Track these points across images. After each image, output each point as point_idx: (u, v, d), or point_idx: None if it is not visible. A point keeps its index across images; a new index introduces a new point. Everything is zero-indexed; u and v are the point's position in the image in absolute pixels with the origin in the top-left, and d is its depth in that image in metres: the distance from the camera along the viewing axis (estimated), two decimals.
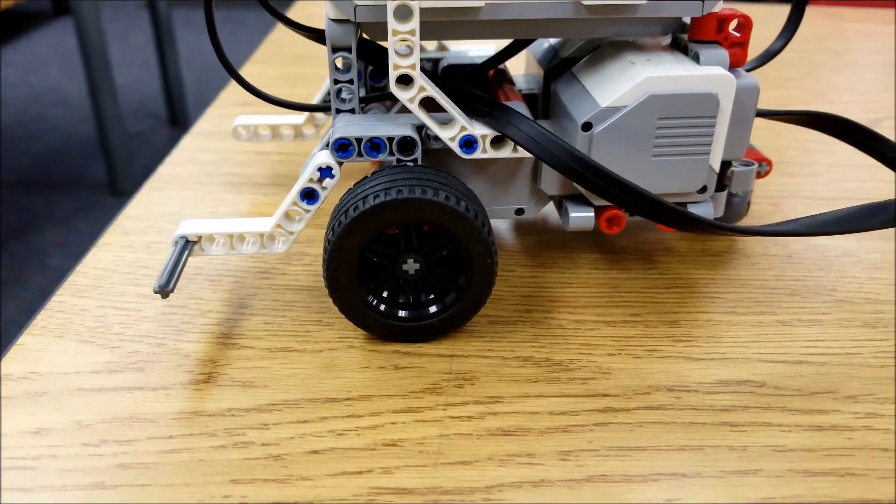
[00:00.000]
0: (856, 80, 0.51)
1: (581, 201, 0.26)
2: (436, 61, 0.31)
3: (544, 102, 0.29)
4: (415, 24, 0.21)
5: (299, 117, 0.33)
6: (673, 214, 0.23)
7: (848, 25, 0.67)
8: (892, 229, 0.30)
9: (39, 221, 1.80)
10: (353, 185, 0.23)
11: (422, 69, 0.23)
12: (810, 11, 0.71)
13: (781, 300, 0.27)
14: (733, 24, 0.25)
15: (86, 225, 1.77)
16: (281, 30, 0.56)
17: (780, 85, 0.50)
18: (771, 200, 0.34)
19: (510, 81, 0.29)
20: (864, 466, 0.20)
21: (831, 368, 0.23)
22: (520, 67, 0.34)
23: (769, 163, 0.29)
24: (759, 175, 0.29)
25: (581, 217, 0.25)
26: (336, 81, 0.25)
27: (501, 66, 0.30)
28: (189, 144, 0.38)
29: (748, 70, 0.27)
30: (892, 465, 0.20)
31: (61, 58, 2.99)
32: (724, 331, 0.25)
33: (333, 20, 0.23)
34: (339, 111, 0.25)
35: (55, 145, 2.20)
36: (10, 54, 3.01)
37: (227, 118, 0.40)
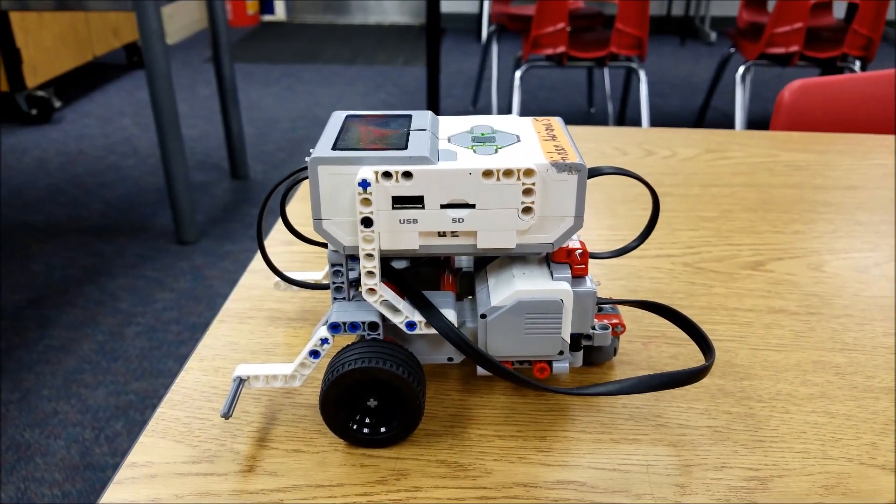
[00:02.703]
0: (762, 219, 0.65)
1: None
2: None
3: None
4: (376, 261, 0.37)
5: (320, 272, 0.49)
6: (506, 374, 0.37)
7: (786, 156, 0.80)
8: None
9: (110, 266, 2.00)
10: (337, 353, 0.38)
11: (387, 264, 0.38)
12: (759, 135, 0.84)
13: (620, 423, 0.41)
14: (578, 252, 0.39)
15: (152, 271, 1.97)
16: None
17: (698, 225, 0.64)
18: (644, 340, 0.48)
19: (451, 269, 0.44)
20: None
21: (632, 475, 0.37)
22: None
23: (623, 326, 0.43)
24: (616, 333, 0.43)
25: (481, 368, 0.40)
26: (333, 283, 0.40)
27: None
28: (245, 282, 0.54)
29: (615, 255, 0.42)
30: None
31: (133, 109, 3.24)
32: (573, 445, 0.39)
33: (331, 250, 0.39)
34: (335, 299, 0.40)
35: (126, 194, 2.43)
36: (88, 105, 3.28)
37: (273, 255, 0.56)
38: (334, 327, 0.39)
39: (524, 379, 0.38)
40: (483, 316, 0.39)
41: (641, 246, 0.59)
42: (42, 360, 1.60)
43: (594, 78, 3.35)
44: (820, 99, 0.91)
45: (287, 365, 0.40)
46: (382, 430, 0.39)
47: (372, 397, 0.38)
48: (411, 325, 0.39)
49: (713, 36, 4.32)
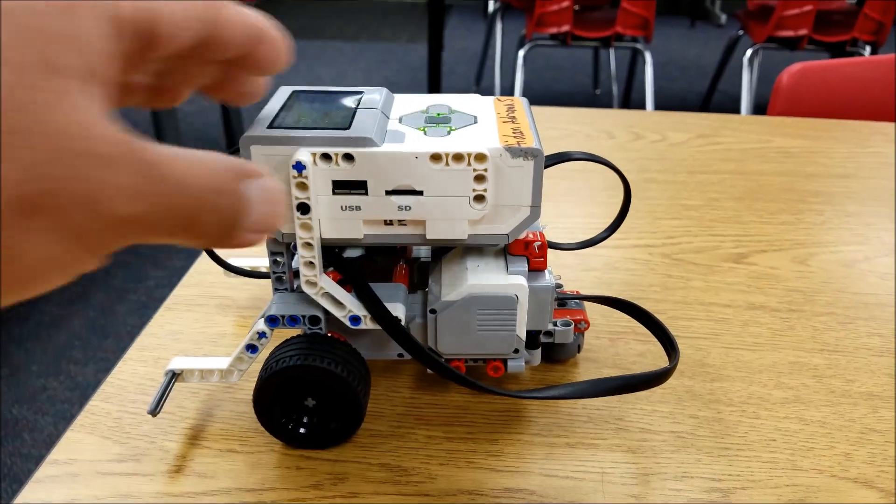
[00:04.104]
0: (748, 209, 0.62)
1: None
2: None
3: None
4: (315, 251, 0.34)
5: None
6: (452, 375, 0.35)
7: (779, 142, 0.77)
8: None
9: None
10: (275, 348, 0.36)
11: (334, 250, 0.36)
12: (753, 120, 0.81)
13: (578, 426, 0.38)
14: (536, 244, 0.37)
15: (145, 247, 1.95)
16: None
17: (681, 214, 0.61)
18: (611, 336, 0.45)
19: (407, 259, 0.42)
20: None
21: (585, 484, 0.35)
22: None
23: (587, 322, 0.41)
24: (579, 330, 0.41)
25: None
26: (274, 272, 0.37)
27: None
28: (199, 266, 0.51)
29: (578, 247, 0.39)
30: None
31: None
32: (525, 449, 0.37)
33: (269, 237, 0.36)
34: (276, 290, 0.38)
35: None
36: None
37: None
38: (272, 321, 0.36)
39: (470, 381, 0.35)
40: (433, 311, 0.36)
41: (618, 235, 0.56)
42: (32, 335, 1.59)
43: (600, 59, 3.30)
44: (820, 83, 0.88)
45: (223, 359, 0.37)
46: (320, 430, 0.36)
47: (309, 396, 0.36)
48: (355, 319, 0.36)
49: (723, 18, 4.25)
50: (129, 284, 1.77)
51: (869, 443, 0.38)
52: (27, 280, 0.17)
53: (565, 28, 2.40)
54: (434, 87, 2.74)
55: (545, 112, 0.84)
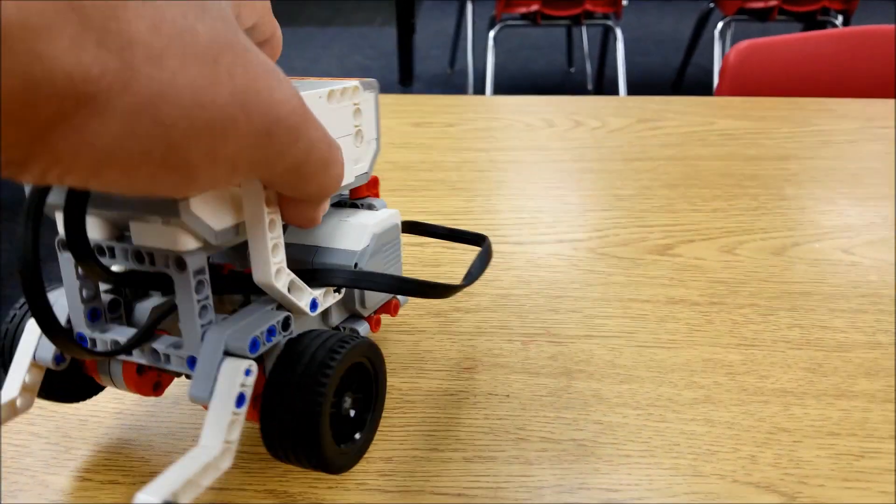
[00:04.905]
0: (681, 197, 0.60)
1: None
2: None
3: None
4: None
5: None
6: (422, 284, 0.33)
7: (722, 124, 0.76)
8: None
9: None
10: (293, 344, 0.34)
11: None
12: (697, 101, 0.80)
13: (476, 438, 0.37)
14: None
15: None
16: None
17: (612, 205, 0.60)
18: (525, 338, 0.44)
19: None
20: None
21: (477, 500, 0.34)
22: None
23: None
24: None
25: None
26: (199, 301, 0.28)
27: None
28: None
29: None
30: None
31: None
32: (419, 466, 0.36)
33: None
34: (206, 326, 0.29)
35: None
36: None
37: None
38: (254, 346, 0.29)
39: (436, 283, 0.33)
40: (356, 266, 0.34)
41: (542, 231, 0.55)
42: None
43: (573, 37, 3.27)
44: (767, 60, 0.86)
45: (206, 448, 0.27)
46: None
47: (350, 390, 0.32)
48: (314, 303, 0.33)
49: None
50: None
51: (776, 443, 0.37)
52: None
53: (534, 7, 2.38)
54: (406, 71, 2.71)
55: (489, 102, 0.83)
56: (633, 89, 2.73)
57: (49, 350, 0.31)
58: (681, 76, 2.85)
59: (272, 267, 0.28)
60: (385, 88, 2.88)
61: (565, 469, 0.35)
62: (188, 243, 0.27)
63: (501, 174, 0.64)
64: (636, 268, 0.51)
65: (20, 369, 0.31)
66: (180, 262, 0.27)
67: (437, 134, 0.70)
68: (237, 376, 0.27)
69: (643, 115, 0.78)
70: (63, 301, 0.31)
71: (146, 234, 0.27)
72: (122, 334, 0.30)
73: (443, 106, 0.78)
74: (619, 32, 2.47)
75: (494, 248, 0.52)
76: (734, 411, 0.39)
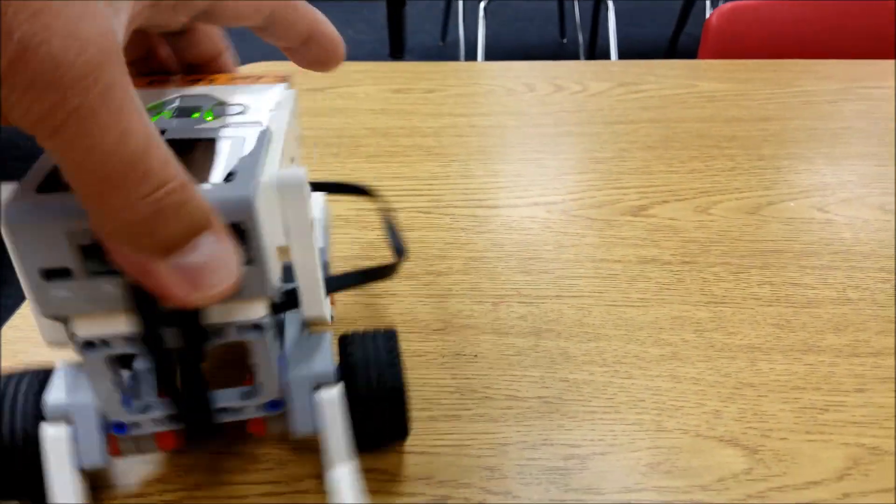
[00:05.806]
0: (658, 158, 0.60)
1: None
2: None
3: None
4: None
5: None
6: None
7: (704, 86, 0.75)
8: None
9: None
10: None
11: None
12: (679, 65, 0.79)
13: (443, 397, 0.37)
14: None
15: None
16: None
17: (588, 168, 0.59)
18: (495, 300, 0.44)
19: None
20: None
21: (440, 458, 0.34)
22: None
23: None
24: None
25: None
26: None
27: None
28: None
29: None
30: None
31: None
32: (393, 466, 0.36)
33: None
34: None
35: None
36: None
37: None
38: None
39: (374, 269, 0.32)
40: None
41: (518, 195, 0.55)
42: None
43: (565, 8, 3.24)
44: (753, 23, 0.85)
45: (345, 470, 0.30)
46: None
47: None
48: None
49: None
50: None
51: (741, 398, 0.37)
52: None
53: None
54: (397, 46, 2.69)
55: (471, 67, 0.82)
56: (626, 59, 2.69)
57: (96, 449, 0.27)
58: (673, 45, 2.83)
59: (326, 308, 0.29)
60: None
61: (529, 426, 0.35)
62: (260, 310, 0.25)
63: (481, 139, 0.64)
64: (609, 229, 0.51)
65: (65, 485, 0.26)
66: (257, 327, 0.26)
67: (417, 100, 0.70)
68: (336, 401, 0.29)
69: (625, 78, 0.77)
70: (80, 398, 0.27)
71: (217, 313, 0.25)
72: (158, 406, 0.27)
73: (424, 73, 0.77)
74: (610, 3, 2.45)
75: (469, 212, 0.52)
76: (700, 367, 0.39)
